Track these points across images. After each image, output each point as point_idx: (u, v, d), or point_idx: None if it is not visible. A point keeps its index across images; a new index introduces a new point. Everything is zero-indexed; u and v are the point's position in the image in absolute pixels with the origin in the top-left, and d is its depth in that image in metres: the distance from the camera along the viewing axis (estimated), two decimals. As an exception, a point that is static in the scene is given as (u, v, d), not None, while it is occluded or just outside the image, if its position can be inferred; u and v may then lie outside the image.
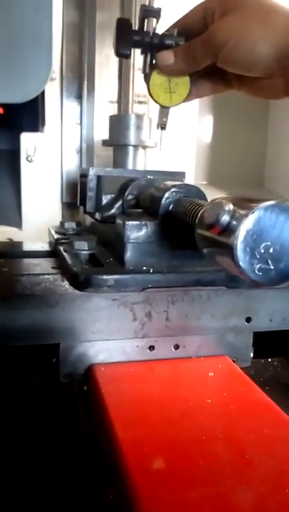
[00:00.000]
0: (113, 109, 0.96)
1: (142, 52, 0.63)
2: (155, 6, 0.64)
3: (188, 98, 0.64)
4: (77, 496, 0.57)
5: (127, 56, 0.63)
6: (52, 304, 0.55)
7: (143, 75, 0.65)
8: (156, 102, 0.64)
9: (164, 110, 0.66)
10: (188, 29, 0.60)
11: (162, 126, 0.67)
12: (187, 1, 0.63)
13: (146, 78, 0.63)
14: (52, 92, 0.99)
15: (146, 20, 0.63)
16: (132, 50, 0.64)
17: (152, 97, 0.63)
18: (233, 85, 0.64)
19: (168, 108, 0.65)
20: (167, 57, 0.60)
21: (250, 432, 0.47)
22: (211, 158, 1.33)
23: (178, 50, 0.60)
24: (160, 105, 0.65)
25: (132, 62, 0.93)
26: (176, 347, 0.61)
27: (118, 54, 0.63)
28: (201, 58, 0.58)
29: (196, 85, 0.64)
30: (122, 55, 0.63)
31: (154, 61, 0.62)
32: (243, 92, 0.63)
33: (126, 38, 0.61)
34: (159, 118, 0.67)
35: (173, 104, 0.64)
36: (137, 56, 0.90)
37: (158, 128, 0.68)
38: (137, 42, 0.61)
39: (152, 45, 0.61)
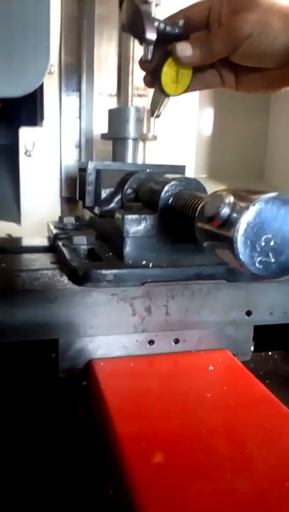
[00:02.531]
0: (112, 103, 0.95)
1: None
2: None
3: (186, 90, 0.65)
4: (77, 490, 0.58)
5: (152, 42, 0.61)
6: (51, 299, 0.55)
7: (142, 60, 0.64)
8: (162, 90, 0.64)
9: (165, 100, 0.66)
10: (189, 23, 0.61)
11: (158, 115, 0.68)
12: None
13: (156, 66, 0.63)
14: (50, 86, 0.98)
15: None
16: (132, 41, 0.63)
17: (161, 86, 0.63)
18: (226, 83, 0.65)
19: (169, 98, 0.65)
20: (186, 48, 0.60)
21: (250, 426, 0.46)
22: (211, 152, 1.33)
23: (195, 42, 0.60)
24: (165, 94, 0.65)
25: (131, 54, 0.92)
26: (176, 341, 0.61)
27: (145, 40, 0.60)
28: (218, 51, 0.59)
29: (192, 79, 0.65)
30: (150, 40, 0.60)
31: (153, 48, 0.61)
32: (239, 90, 0.65)
33: (152, 22, 0.59)
34: (154, 106, 0.67)
35: (176, 93, 0.65)
36: (136, 48, 0.90)
37: (154, 117, 0.69)
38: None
39: (165, 34, 0.60)
